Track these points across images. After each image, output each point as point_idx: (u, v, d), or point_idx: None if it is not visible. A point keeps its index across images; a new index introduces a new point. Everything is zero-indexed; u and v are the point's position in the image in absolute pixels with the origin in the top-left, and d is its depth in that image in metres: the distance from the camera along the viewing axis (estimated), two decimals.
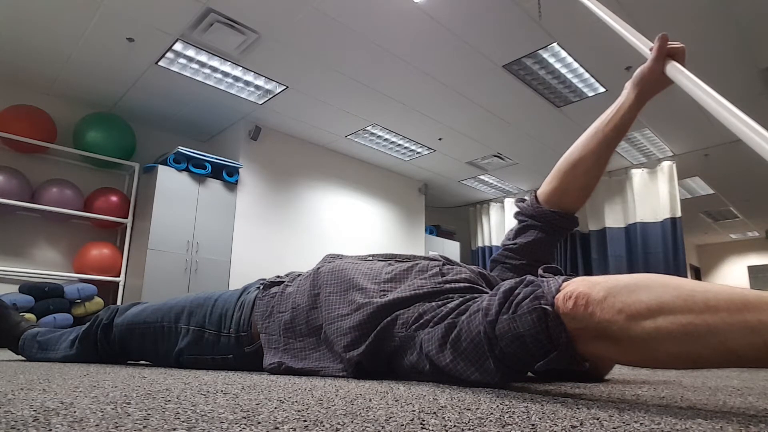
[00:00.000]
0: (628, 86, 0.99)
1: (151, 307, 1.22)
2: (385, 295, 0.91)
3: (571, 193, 1.05)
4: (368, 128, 4.72)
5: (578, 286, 0.60)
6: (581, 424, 0.44)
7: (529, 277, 0.69)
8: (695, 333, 0.50)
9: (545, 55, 3.47)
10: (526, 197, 1.15)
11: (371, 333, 0.87)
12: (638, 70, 0.96)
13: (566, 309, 0.60)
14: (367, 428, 0.40)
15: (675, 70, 0.87)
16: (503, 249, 1.13)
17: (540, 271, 0.71)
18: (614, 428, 0.43)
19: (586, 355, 0.62)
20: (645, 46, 0.93)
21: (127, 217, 4.08)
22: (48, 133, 3.78)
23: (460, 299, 0.81)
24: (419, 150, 5.22)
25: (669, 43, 0.90)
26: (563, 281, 0.64)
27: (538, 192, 1.10)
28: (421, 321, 0.82)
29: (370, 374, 0.90)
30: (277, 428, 0.39)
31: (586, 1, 1.12)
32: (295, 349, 0.99)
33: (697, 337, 0.50)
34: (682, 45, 0.91)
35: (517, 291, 0.67)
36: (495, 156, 5.32)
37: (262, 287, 1.12)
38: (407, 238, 5.97)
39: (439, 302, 0.84)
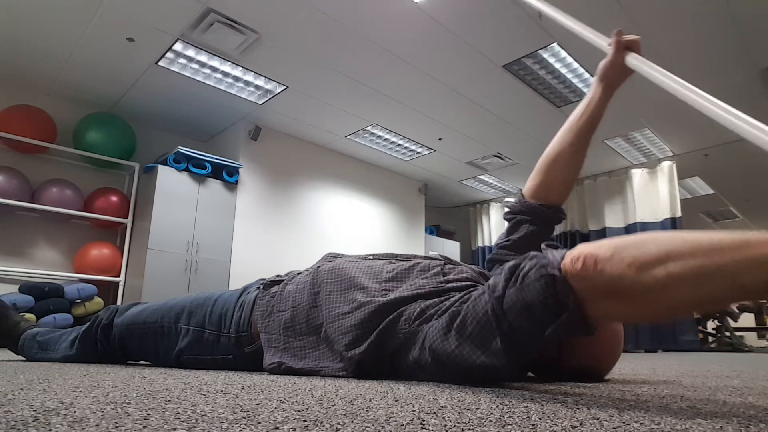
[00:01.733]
0: (595, 81, 1.06)
1: (151, 307, 1.22)
2: (387, 294, 0.91)
3: (555, 186, 1.10)
4: (368, 128, 4.72)
5: (584, 248, 0.61)
6: (581, 424, 0.44)
7: (532, 252, 0.69)
8: (706, 274, 0.52)
9: (545, 55, 3.47)
10: (512, 199, 1.16)
11: (373, 332, 0.87)
12: (601, 65, 1.03)
13: (575, 270, 0.60)
14: (367, 428, 0.40)
15: (634, 59, 0.93)
16: (498, 248, 1.14)
17: (543, 246, 0.71)
18: (614, 428, 0.43)
19: (597, 316, 0.62)
20: (603, 42, 1.00)
21: (127, 217, 4.08)
22: (48, 133, 3.78)
23: (463, 293, 0.82)
24: (419, 150, 5.22)
25: (624, 36, 0.96)
26: (567, 251, 0.64)
27: (524, 190, 1.14)
28: (425, 315, 0.83)
29: (370, 374, 0.90)
30: (277, 428, 0.39)
31: (539, 5, 1.16)
32: (295, 348, 0.99)
33: (708, 278, 0.52)
34: (637, 37, 0.97)
35: (522, 265, 0.68)
36: (495, 156, 5.32)
37: (262, 287, 1.12)
38: (407, 238, 5.97)
39: (442, 298, 0.84)
